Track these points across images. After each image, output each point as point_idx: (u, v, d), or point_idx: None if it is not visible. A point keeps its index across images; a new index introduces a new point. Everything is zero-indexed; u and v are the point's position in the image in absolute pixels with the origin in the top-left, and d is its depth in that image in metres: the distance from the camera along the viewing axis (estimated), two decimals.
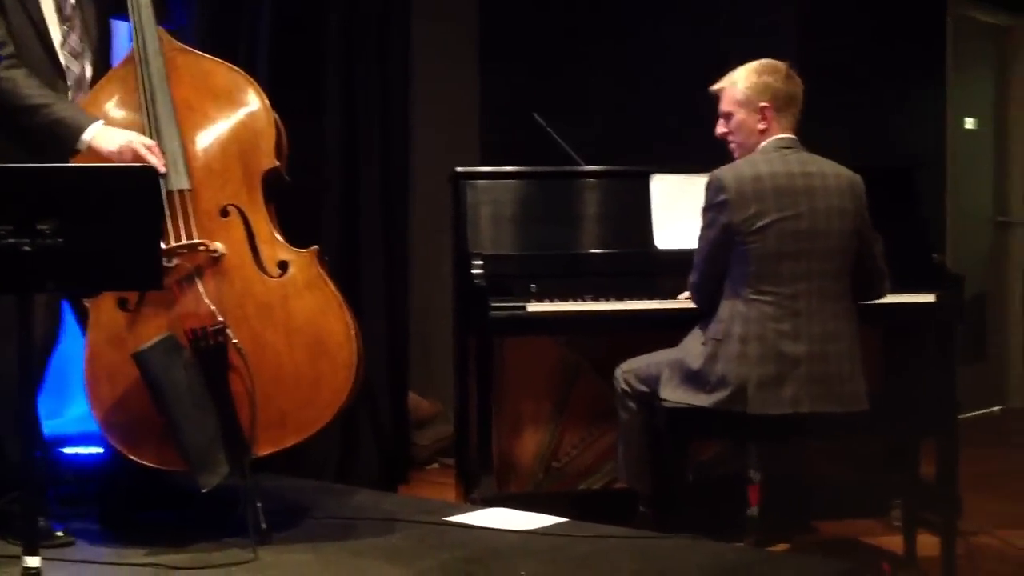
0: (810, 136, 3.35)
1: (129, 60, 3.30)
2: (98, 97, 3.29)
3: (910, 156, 5.66)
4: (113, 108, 3.28)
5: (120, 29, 3.59)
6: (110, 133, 3.14)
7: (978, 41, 6.70)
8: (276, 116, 3.32)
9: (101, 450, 3.75)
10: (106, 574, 2.90)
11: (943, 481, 3.41)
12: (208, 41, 4.05)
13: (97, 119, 3.16)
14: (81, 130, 3.12)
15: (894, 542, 3.71)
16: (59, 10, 3.26)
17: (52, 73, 3.23)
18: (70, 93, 3.27)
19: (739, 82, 3.33)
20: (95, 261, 2.67)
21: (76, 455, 3.98)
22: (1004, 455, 5.76)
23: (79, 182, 2.71)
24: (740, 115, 3.33)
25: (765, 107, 3.29)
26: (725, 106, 3.37)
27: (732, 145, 3.38)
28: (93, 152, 3.12)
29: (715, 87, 3.40)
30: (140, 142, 3.13)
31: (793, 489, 3.84)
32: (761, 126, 3.30)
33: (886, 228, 3.39)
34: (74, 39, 3.29)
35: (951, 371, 3.90)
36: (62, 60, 3.26)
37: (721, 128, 3.39)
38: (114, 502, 3.47)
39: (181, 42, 3.41)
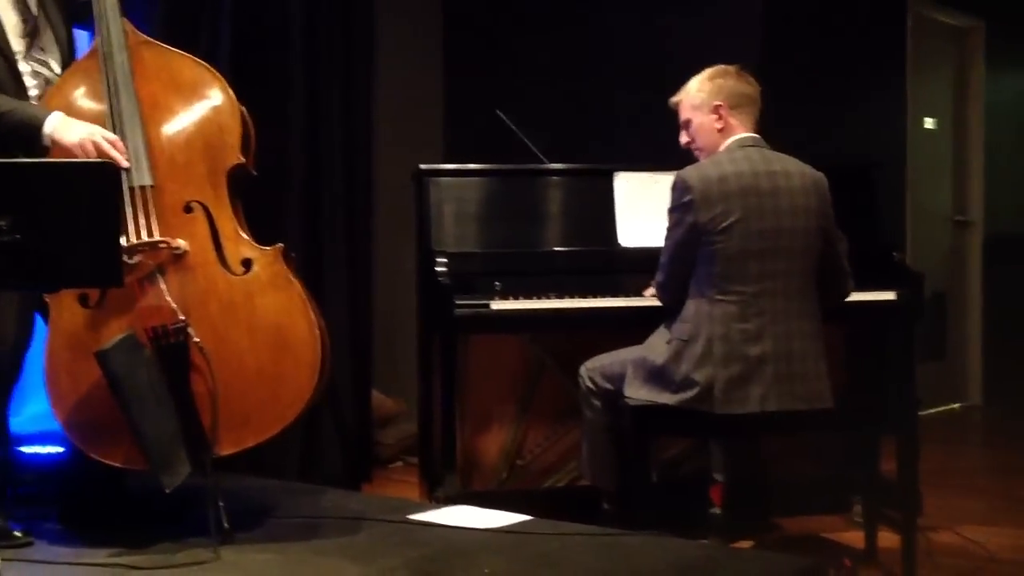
0: (771, 135, 3.37)
1: (94, 53, 3.26)
2: (63, 89, 3.25)
3: (871, 155, 5.71)
4: (78, 100, 3.24)
5: (81, 38, 3.55)
6: (70, 124, 3.10)
7: (938, 42, 6.77)
8: (244, 111, 3.28)
9: (60, 449, 3.71)
10: (65, 574, 2.87)
11: (904, 478, 3.43)
12: (168, 36, 4.01)
13: (53, 111, 3.12)
14: (40, 124, 3.08)
15: (856, 538, 3.73)
16: (24, 21, 3.23)
17: (15, 87, 3.20)
18: (33, 93, 3.24)
19: (692, 89, 3.39)
20: (54, 258, 2.63)
21: (35, 454, 3.93)
22: (964, 452, 5.83)
23: (36, 178, 2.67)
24: (698, 119, 3.36)
25: (719, 106, 3.32)
26: (684, 115, 3.41)
27: (696, 152, 3.41)
28: (56, 145, 3.08)
29: (673, 100, 3.45)
30: (102, 135, 3.09)
31: (756, 486, 3.87)
32: (719, 125, 3.33)
33: (847, 226, 3.41)
34: (37, 49, 3.25)
35: (911, 368, 3.93)
36: (25, 70, 3.22)
37: (684, 138, 3.44)
38: (74, 502, 3.44)
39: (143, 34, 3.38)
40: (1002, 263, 7.06)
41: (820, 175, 3.31)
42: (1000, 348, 7.02)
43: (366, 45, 5.05)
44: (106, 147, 3.07)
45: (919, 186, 6.56)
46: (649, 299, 3.60)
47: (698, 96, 3.35)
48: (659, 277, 3.36)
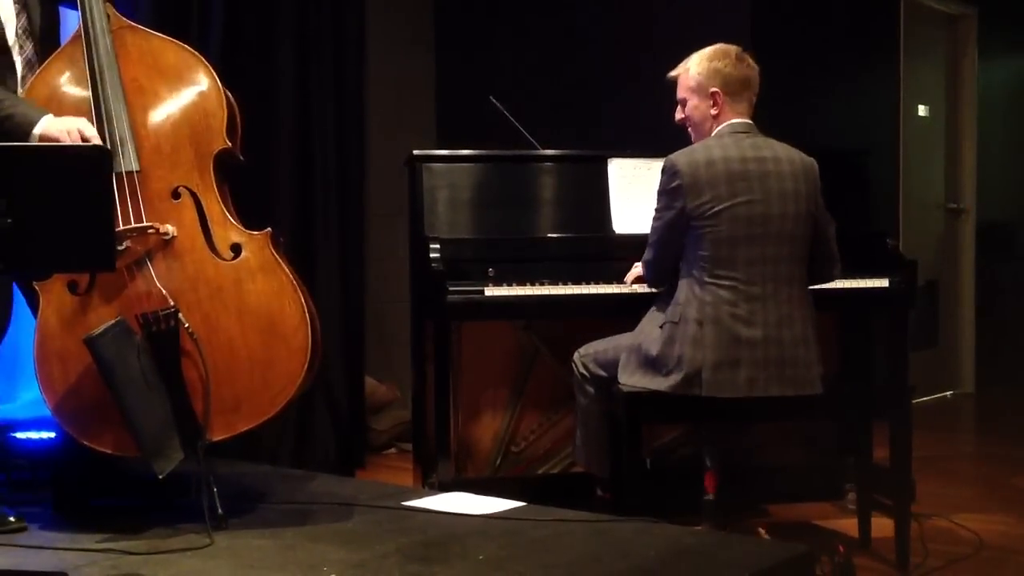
0: (762, 121, 3.36)
1: (77, 37, 3.25)
2: (46, 75, 3.24)
3: (863, 142, 5.71)
4: (62, 86, 3.23)
5: (67, 17, 3.53)
6: (57, 122, 3.10)
7: (930, 29, 6.77)
8: (229, 95, 3.27)
9: (54, 435, 3.70)
10: (59, 560, 2.85)
11: (896, 465, 3.44)
12: (159, 19, 4.00)
13: (46, 113, 3.11)
14: (32, 125, 3.08)
15: (849, 525, 3.74)
16: (15, 2, 3.22)
17: (8, 73, 3.19)
18: (19, 74, 3.23)
19: (692, 68, 3.36)
20: (45, 242, 2.61)
21: (29, 440, 3.92)
22: (956, 440, 5.84)
23: (28, 161, 2.65)
24: (693, 101, 3.35)
25: (716, 92, 3.30)
26: (680, 93, 3.40)
27: (689, 131, 3.40)
28: (44, 141, 3.07)
29: (671, 74, 3.43)
30: (88, 126, 3.08)
31: (749, 473, 3.86)
32: (713, 111, 3.32)
33: (838, 213, 3.40)
34: (23, 20, 3.24)
35: (904, 355, 3.93)
36: (13, 41, 3.21)
37: (679, 115, 3.42)
38: (68, 487, 3.43)
39: (131, 19, 3.36)
40: (994, 251, 7.07)
41: (811, 160, 3.30)
42: (992, 336, 7.03)
43: (357, 30, 5.04)
44: (90, 133, 3.06)
45: (912, 173, 6.56)
46: (631, 285, 3.60)
47: (696, 79, 3.33)
48: (646, 255, 3.37)
